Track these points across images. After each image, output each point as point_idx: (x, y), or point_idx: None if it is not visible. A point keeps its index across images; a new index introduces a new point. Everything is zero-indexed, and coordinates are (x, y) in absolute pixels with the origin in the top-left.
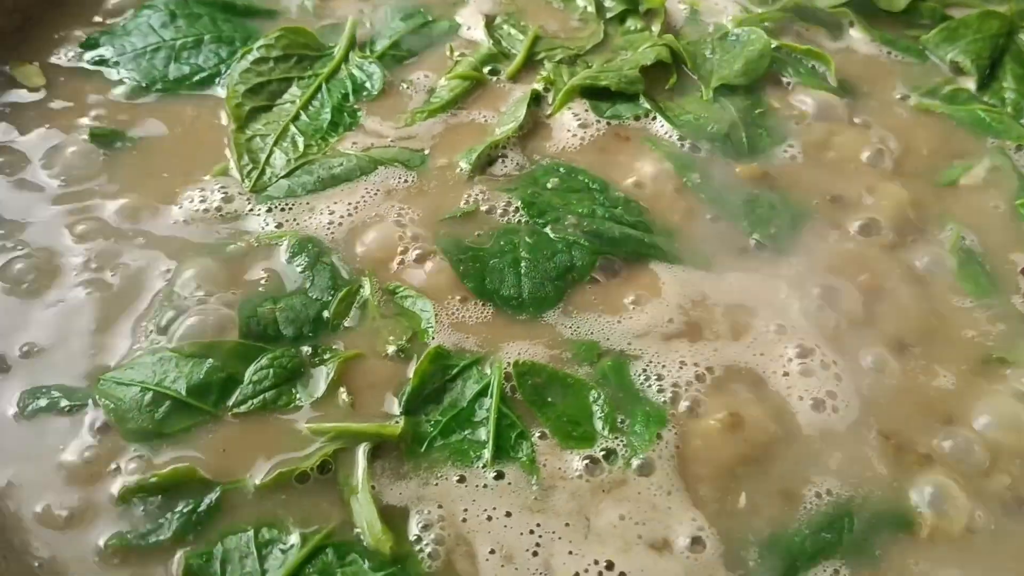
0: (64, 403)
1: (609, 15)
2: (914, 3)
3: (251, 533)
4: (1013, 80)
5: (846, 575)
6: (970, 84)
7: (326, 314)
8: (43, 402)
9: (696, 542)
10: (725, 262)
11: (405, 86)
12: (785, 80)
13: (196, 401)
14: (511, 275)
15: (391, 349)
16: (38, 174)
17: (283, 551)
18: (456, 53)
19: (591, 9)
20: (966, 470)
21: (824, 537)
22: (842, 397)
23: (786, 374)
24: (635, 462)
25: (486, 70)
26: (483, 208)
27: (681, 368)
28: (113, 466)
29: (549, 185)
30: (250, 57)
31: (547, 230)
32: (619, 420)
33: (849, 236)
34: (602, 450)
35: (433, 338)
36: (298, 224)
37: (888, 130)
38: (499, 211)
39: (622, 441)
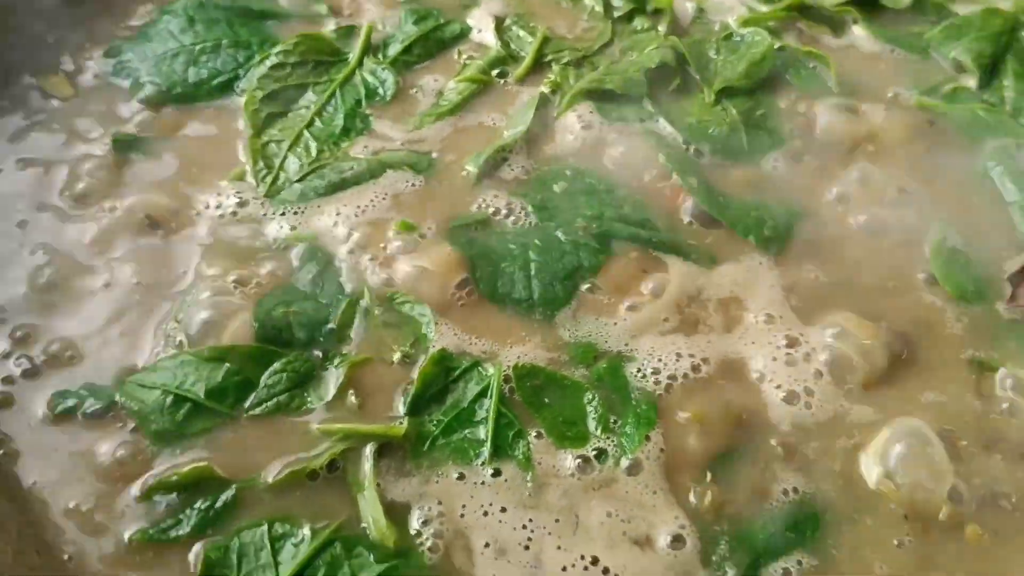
0: (91, 404)
1: (617, 14)
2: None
3: (265, 527)
4: (1014, 78)
5: (807, 565)
6: (972, 82)
7: (333, 322)
8: (71, 402)
9: (677, 540)
10: (726, 261)
11: (415, 90)
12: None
13: (214, 403)
14: (522, 277)
15: (396, 356)
16: (62, 182)
17: (295, 544)
18: (465, 56)
19: (599, 9)
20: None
21: (788, 536)
22: (819, 395)
23: (774, 359)
24: (624, 462)
25: (494, 72)
26: (493, 211)
27: (677, 360)
28: (136, 465)
29: (557, 188)
30: (268, 63)
31: (558, 233)
32: (612, 421)
33: (845, 234)
34: (594, 450)
35: (434, 342)
36: (310, 228)
37: (885, 129)
38: (511, 215)
39: (613, 441)
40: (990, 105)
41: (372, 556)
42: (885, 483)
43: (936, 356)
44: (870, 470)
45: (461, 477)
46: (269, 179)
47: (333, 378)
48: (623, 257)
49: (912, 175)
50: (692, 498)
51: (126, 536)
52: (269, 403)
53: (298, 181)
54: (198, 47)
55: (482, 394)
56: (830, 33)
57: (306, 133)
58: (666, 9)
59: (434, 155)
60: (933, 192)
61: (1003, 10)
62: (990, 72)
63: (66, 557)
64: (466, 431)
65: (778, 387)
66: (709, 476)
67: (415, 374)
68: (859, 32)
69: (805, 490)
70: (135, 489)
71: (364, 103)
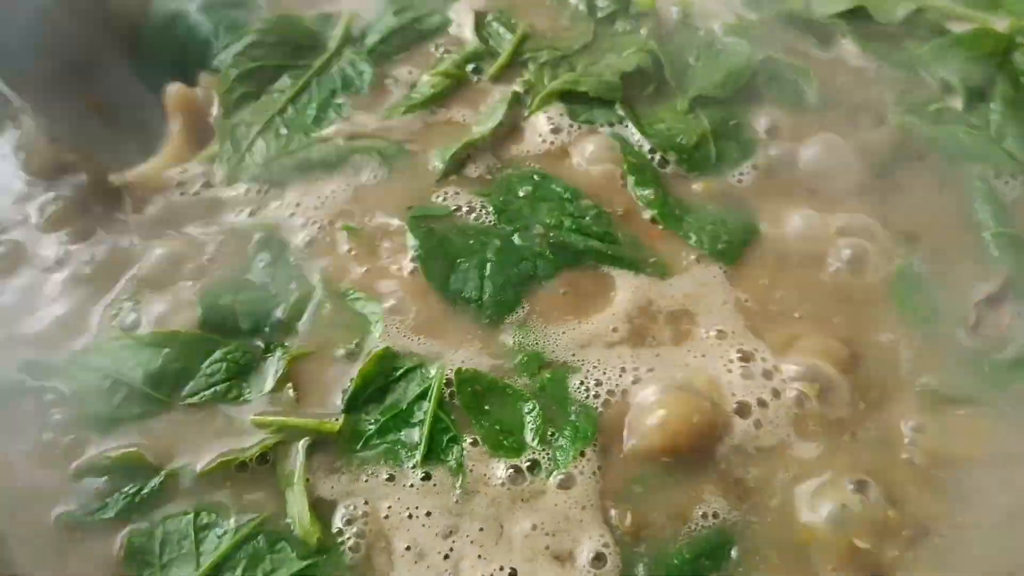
0: (30, 384)
1: (601, 15)
2: (913, 15)
3: (191, 516)
4: (1002, 102)
5: None
6: (958, 103)
7: (281, 312)
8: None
9: (598, 558)
10: (680, 273)
11: (388, 81)
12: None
13: (151, 390)
14: (475, 277)
15: (340, 351)
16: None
17: (219, 536)
18: (442, 50)
19: (583, 8)
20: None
21: (704, 564)
22: (767, 418)
23: (722, 376)
24: (557, 476)
25: (469, 68)
26: (454, 208)
27: (621, 375)
28: (70, 446)
29: (521, 192)
30: (245, 40)
31: (514, 238)
32: (549, 433)
33: (801, 255)
34: (527, 461)
35: (381, 339)
36: (268, 216)
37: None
38: (472, 213)
39: (548, 454)
40: (974, 128)
41: (294, 552)
42: (816, 519)
43: (887, 385)
44: (803, 504)
45: (391, 478)
46: (234, 161)
47: (273, 370)
48: (577, 268)
49: (883, 197)
50: (614, 517)
51: (52, 517)
52: (206, 392)
53: (263, 166)
54: None
55: (421, 396)
56: (817, 45)
57: (277, 119)
58: (649, 12)
59: (402, 148)
60: (904, 216)
61: (997, 31)
62: (978, 94)
63: None
64: (401, 432)
65: (722, 406)
66: (632, 495)
67: (357, 371)
68: (847, 46)
69: (726, 516)
70: (66, 470)
71: (339, 94)
